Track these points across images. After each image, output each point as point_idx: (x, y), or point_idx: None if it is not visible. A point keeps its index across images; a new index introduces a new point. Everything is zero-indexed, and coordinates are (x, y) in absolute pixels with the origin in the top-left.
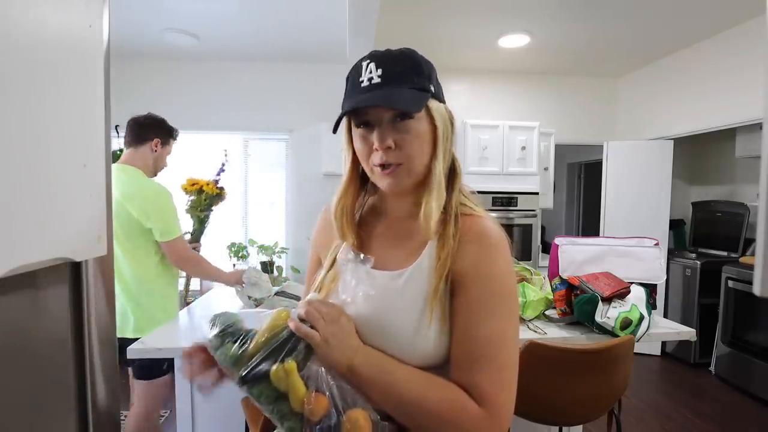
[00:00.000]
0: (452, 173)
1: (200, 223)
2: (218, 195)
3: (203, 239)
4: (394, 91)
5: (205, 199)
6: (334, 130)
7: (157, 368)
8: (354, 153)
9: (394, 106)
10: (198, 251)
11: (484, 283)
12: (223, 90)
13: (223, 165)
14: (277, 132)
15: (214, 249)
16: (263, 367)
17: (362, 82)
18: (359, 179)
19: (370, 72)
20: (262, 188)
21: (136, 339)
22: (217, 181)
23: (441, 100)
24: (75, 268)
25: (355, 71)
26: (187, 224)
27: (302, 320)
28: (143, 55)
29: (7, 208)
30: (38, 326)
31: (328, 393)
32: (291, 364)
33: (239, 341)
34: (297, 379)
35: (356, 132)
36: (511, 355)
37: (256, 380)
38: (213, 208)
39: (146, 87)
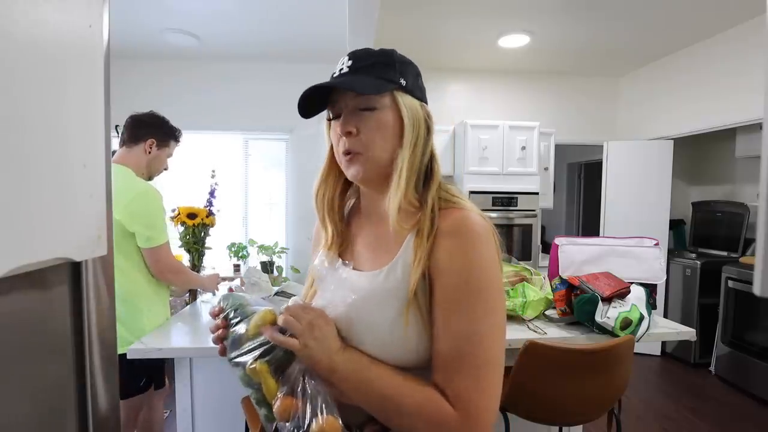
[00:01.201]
0: (429, 171)
1: (200, 257)
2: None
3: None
4: (356, 77)
5: (204, 234)
6: (302, 113)
7: (132, 386)
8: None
9: (347, 87)
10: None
11: (458, 275)
12: (223, 90)
13: (214, 189)
14: (277, 132)
15: (214, 249)
16: (243, 359)
17: (334, 73)
18: (339, 173)
19: (342, 64)
20: (262, 188)
21: (122, 354)
22: (210, 210)
23: (417, 97)
24: (75, 268)
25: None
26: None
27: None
28: (144, 55)
29: (7, 208)
30: (38, 326)
31: (300, 397)
32: (262, 366)
33: (236, 323)
34: (268, 378)
35: (330, 124)
36: (490, 353)
37: (237, 366)
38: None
39: (146, 87)
